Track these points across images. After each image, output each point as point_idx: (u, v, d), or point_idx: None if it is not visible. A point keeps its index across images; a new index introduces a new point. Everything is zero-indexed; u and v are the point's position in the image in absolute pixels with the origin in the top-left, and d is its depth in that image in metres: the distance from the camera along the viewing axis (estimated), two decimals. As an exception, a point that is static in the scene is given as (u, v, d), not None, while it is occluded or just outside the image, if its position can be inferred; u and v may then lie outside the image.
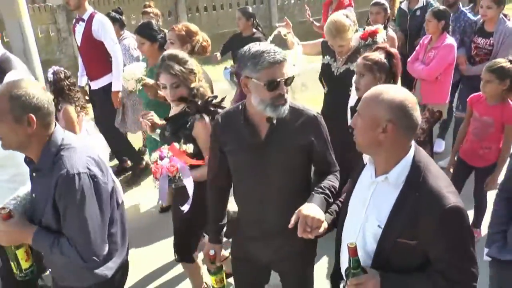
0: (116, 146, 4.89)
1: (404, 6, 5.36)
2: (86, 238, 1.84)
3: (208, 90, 2.74)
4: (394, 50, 2.73)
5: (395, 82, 2.70)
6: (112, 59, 4.57)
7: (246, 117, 2.07)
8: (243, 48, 2.02)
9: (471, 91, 3.67)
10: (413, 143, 1.68)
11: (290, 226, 1.83)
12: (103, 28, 4.53)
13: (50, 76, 3.63)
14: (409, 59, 4.39)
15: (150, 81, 3.38)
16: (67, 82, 3.63)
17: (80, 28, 4.65)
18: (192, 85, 2.62)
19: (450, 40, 4.11)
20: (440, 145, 5.19)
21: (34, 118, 1.79)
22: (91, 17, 4.57)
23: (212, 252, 2.30)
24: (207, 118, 2.54)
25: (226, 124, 2.17)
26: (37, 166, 1.90)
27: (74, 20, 4.87)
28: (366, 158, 1.80)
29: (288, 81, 1.97)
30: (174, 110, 2.76)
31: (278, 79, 1.93)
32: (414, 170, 1.61)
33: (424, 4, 5.18)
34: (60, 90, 3.60)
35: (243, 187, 2.20)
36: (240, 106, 2.13)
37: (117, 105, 4.64)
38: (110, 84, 4.64)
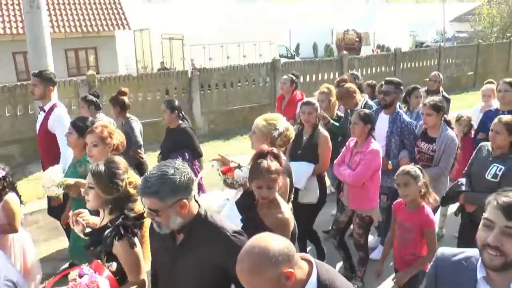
0: None
1: (340, 111, 5.51)
2: None
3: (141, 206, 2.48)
4: (275, 151, 2.74)
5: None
6: (61, 154, 4.42)
7: None
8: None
9: None
10: (313, 261, 1.70)
11: None
12: (58, 122, 4.50)
13: (1, 171, 3.43)
14: (335, 161, 4.29)
15: (71, 181, 3.36)
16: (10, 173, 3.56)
17: (40, 117, 4.68)
18: (108, 196, 2.45)
19: (376, 145, 4.03)
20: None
21: None
22: (51, 109, 4.58)
23: None
24: (126, 239, 2.34)
25: None
26: None
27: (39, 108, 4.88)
28: None
29: (152, 214, 2.02)
30: (105, 218, 2.56)
31: (146, 207, 2.07)
32: None
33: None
34: (10, 182, 3.50)
35: (161, 286, 2.32)
36: None
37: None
38: None
